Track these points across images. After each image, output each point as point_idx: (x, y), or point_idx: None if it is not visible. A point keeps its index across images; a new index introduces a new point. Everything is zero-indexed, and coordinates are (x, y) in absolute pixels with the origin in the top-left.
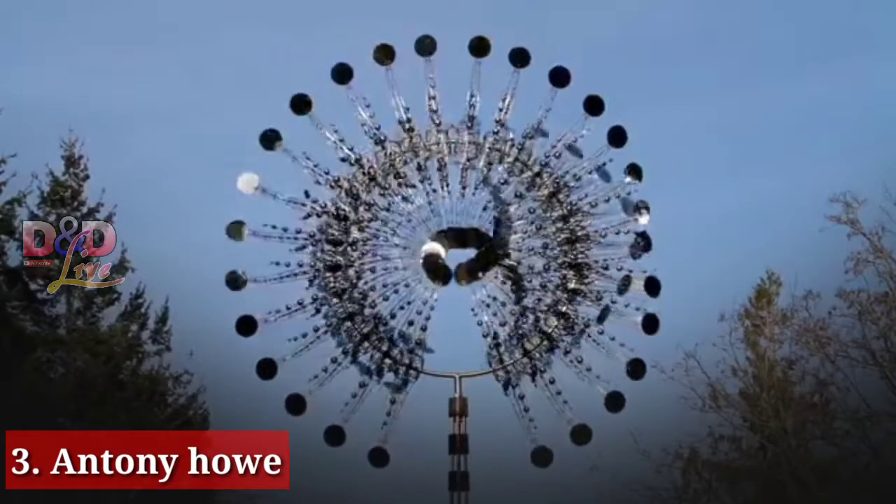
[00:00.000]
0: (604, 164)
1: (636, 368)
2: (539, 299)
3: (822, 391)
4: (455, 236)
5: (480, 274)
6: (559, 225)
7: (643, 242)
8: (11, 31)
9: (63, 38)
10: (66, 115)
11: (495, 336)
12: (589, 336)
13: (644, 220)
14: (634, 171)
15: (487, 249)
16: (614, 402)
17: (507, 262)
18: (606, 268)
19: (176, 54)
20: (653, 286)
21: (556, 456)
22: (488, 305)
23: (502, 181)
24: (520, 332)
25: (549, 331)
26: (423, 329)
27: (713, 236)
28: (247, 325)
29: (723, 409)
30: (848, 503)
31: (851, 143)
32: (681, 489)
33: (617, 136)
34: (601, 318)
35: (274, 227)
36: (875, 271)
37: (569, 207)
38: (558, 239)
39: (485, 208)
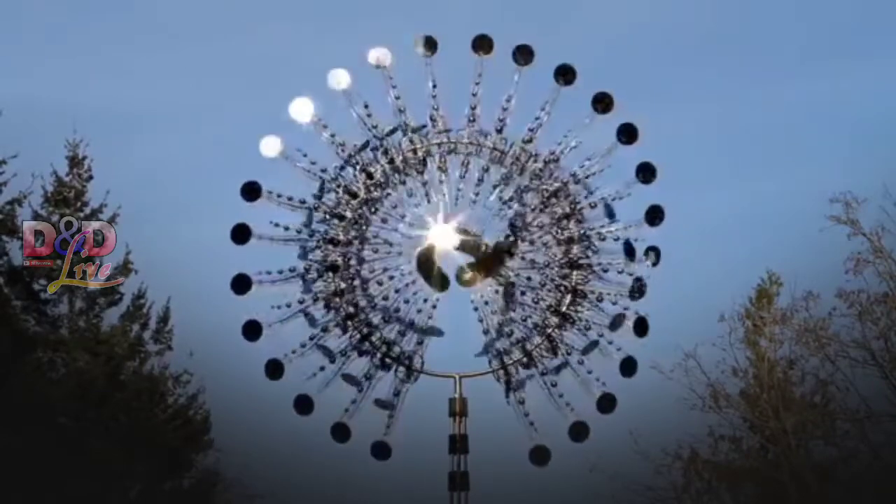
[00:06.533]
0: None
1: (606, 403)
2: (528, 316)
3: (822, 391)
4: (465, 241)
5: (482, 277)
6: (564, 248)
7: (639, 287)
8: (14, 30)
9: (67, 39)
10: (70, 116)
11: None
12: (569, 365)
13: (647, 266)
14: (654, 253)
15: (492, 254)
16: (606, 403)
17: (505, 271)
18: (601, 300)
19: (180, 56)
20: (641, 328)
21: (555, 456)
22: (487, 303)
23: (523, 189)
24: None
25: (532, 350)
26: (426, 325)
27: (713, 236)
28: (242, 283)
29: (723, 410)
30: (848, 503)
31: (851, 143)
32: (680, 489)
33: (646, 171)
34: (586, 351)
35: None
36: (875, 271)
37: (578, 233)
38: (561, 261)
39: (499, 203)
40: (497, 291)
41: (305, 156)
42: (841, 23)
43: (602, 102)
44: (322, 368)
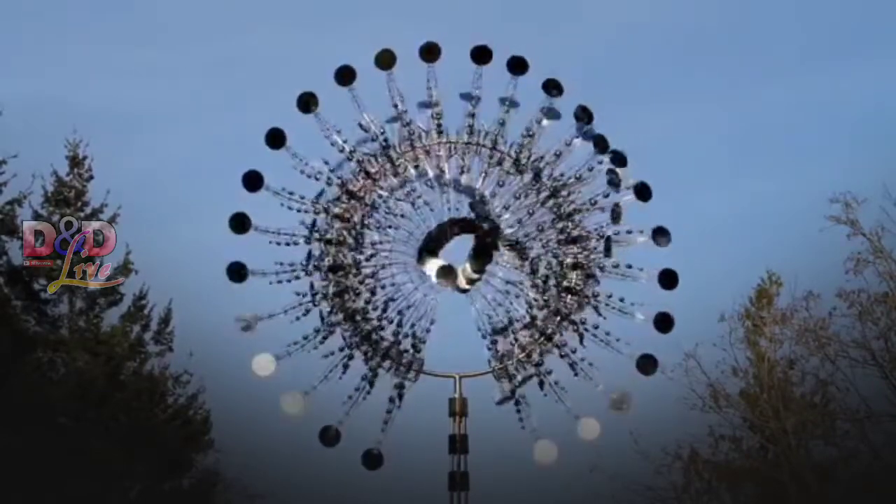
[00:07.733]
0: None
1: (649, 365)
2: (549, 262)
3: (822, 391)
4: (459, 225)
5: (481, 270)
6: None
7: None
8: (14, 30)
9: (67, 39)
10: (70, 116)
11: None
12: (602, 302)
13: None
14: (642, 191)
15: (480, 241)
16: (664, 323)
17: (505, 240)
18: (595, 202)
19: (180, 56)
20: (644, 192)
21: (556, 455)
22: (489, 315)
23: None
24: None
25: (571, 284)
26: (422, 340)
27: (713, 236)
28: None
29: (723, 410)
30: (848, 503)
31: (851, 143)
32: (680, 489)
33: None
34: (607, 251)
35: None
36: (875, 271)
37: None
38: (541, 198)
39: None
40: (512, 260)
41: (327, 162)
42: (841, 23)
43: (555, 87)
44: (331, 353)
